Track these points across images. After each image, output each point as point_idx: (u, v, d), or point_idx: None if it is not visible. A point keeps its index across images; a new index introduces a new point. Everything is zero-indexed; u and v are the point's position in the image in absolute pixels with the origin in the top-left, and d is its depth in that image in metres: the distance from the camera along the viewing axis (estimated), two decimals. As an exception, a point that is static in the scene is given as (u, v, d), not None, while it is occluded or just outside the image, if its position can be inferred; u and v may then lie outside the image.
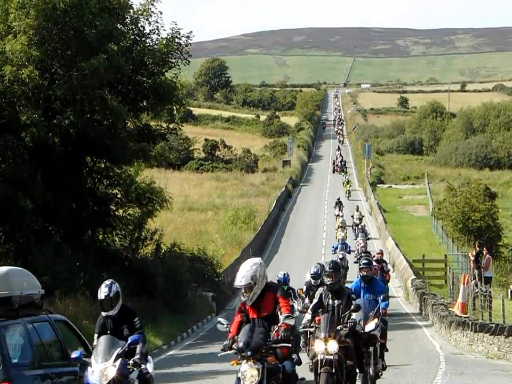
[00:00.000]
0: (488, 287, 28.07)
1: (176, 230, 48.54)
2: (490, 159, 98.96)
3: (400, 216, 67.03)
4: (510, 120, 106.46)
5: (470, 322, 23.97)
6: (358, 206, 60.98)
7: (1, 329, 11.63)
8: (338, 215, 58.30)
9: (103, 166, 31.99)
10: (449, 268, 37.80)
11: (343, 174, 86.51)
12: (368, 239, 51.26)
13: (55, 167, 28.94)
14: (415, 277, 38.86)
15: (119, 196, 32.66)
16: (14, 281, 12.14)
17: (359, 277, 16.37)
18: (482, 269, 32.85)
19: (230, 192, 71.37)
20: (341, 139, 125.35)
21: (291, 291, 20.73)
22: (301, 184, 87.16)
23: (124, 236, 33.06)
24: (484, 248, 33.55)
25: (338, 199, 63.23)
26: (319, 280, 19.32)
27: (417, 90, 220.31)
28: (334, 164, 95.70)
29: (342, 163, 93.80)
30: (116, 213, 32.60)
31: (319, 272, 19.62)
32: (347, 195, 73.97)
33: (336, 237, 50.70)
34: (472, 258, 33.24)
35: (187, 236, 46.73)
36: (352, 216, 58.23)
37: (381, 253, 34.81)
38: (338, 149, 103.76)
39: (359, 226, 53.50)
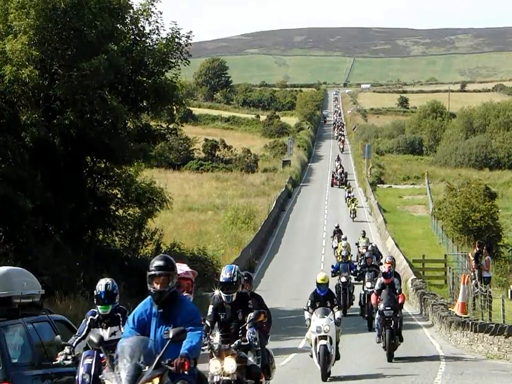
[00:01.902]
0: (488, 287, 28.07)
1: (176, 230, 48.54)
2: (490, 159, 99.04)
3: (400, 216, 67.01)
4: (510, 120, 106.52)
5: (470, 322, 23.96)
6: (364, 232, 46.99)
7: (1, 329, 11.62)
8: (337, 247, 44.61)
9: (103, 166, 32.03)
10: (449, 268, 37.79)
11: (345, 188, 74.60)
12: (381, 263, 34.59)
13: (55, 167, 28.96)
14: (415, 277, 38.83)
15: (119, 196, 32.71)
16: (14, 281, 12.14)
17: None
18: (482, 269, 32.82)
19: (230, 192, 71.36)
20: (341, 146, 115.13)
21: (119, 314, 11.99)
22: (301, 184, 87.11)
23: (124, 236, 33.13)
24: (484, 248, 33.46)
25: (337, 227, 49.27)
26: (231, 294, 12.14)
27: (417, 90, 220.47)
28: (333, 176, 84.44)
29: (343, 175, 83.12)
30: (116, 213, 32.65)
31: (232, 279, 12.14)
32: (352, 215, 63.32)
33: (337, 258, 38.72)
34: (472, 258, 33.20)
35: (187, 236, 46.73)
36: (357, 244, 43.86)
37: (391, 262, 24.43)
38: (338, 159, 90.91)
39: (369, 248, 37.00)
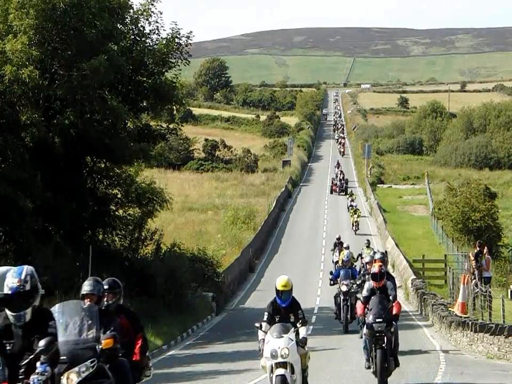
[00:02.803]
0: (488, 287, 28.08)
1: (176, 230, 48.55)
2: (490, 159, 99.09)
3: (400, 216, 67.04)
4: (510, 120, 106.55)
5: (470, 322, 23.96)
6: (368, 241, 40.33)
7: (1, 329, 11.61)
8: (337, 261, 37.91)
9: (103, 166, 32.01)
10: (449, 268, 37.82)
11: (347, 196, 69.32)
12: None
13: (55, 167, 28.95)
14: (415, 277, 38.81)
15: (119, 196, 32.68)
16: (14, 281, 12.11)
17: None
18: (482, 269, 32.84)
19: (230, 192, 71.40)
20: (342, 149, 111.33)
21: None
22: (301, 184, 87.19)
23: (124, 236, 33.08)
24: (485, 247, 33.42)
25: (338, 239, 42.69)
26: (23, 312, 8.47)
27: (417, 90, 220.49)
28: (332, 182, 79.71)
29: (343, 182, 78.00)
30: (116, 213, 32.62)
31: (23, 288, 8.42)
32: (354, 228, 57.97)
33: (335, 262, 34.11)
34: (472, 258, 33.22)
35: (187, 236, 46.72)
36: (360, 255, 37.25)
37: (382, 260, 20.86)
38: (338, 165, 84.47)
39: (371, 253, 29.66)
